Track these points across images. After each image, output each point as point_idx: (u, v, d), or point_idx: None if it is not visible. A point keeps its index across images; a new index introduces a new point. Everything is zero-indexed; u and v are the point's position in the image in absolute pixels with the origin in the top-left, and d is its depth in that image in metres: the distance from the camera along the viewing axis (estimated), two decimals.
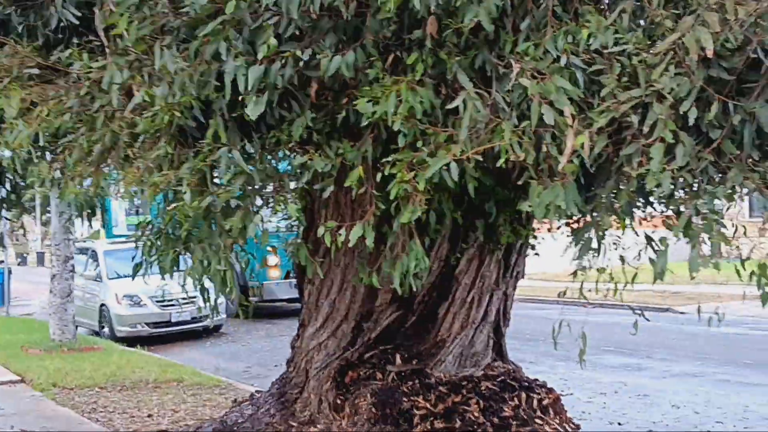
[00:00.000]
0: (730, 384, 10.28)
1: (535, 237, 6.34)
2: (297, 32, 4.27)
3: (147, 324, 14.89)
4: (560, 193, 3.78)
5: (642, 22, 4.02)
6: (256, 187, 4.52)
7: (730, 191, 4.04)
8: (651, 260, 4.11)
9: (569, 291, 5.57)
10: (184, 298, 13.47)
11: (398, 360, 6.23)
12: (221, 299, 15.57)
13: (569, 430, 6.25)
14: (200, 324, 14.61)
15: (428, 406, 6.06)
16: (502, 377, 6.34)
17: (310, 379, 6.43)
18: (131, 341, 14.47)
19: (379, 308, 6.29)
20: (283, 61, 4.05)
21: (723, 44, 3.72)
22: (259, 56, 3.99)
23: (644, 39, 3.86)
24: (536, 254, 6.63)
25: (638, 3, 4.03)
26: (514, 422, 6.02)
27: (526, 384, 6.35)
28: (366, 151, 4.37)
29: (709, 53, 3.64)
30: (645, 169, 3.72)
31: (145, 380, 10.55)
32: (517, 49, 4.00)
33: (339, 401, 6.25)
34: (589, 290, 5.06)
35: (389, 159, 4.07)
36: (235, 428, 6.81)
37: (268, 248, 10.79)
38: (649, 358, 11.72)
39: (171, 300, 14.40)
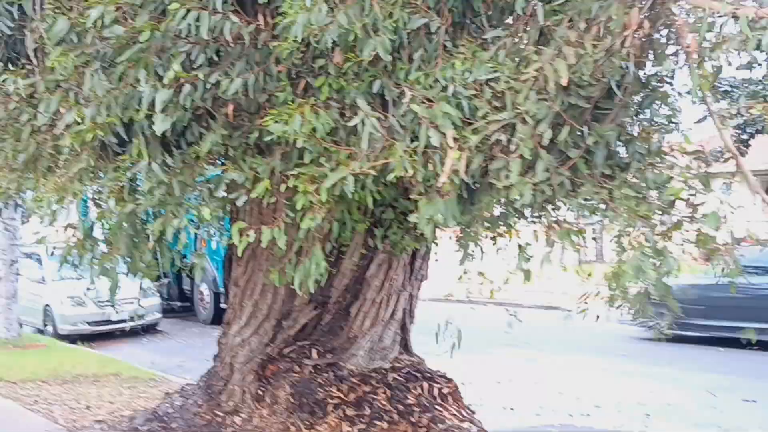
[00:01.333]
0: (608, 373, 10.55)
1: (437, 244, 6.38)
2: (211, 58, 4.33)
3: (87, 322, 14.53)
4: (441, 208, 3.85)
5: (516, 58, 4.09)
6: (177, 195, 4.46)
7: (582, 203, 4.13)
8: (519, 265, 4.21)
9: (479, 291, 5.63)
10: (122, 298, 13.39)
11: (314, 354, 6.24)
12: (156, 299, 15.36)
13: (465, 415, 6.33)
14: (138, 322, 14.29)
15: (341, 395, 6.08)
16: (408, 369, 6.41)
17: (234, 372, 6.39)
18: (73, 339, 14.12)
19: (298, 308, 6.30)
20: (195, 84, 4.06)
21: (580, 75, 3.87)
22: (165, 81, 4.05)
23: (514, 69, 3.99)
24: (437, 260, 6.69)
25: (515, 41, 4.12)
26: (417, 409, 6.08)
27: (429, 375, 6.42)
28: (275, 166, 4.35)
29: (564, 82, 3.78)
30: (510, 182, 3.82)
31: (84, 374, 10.32)
32: (410, 78, 4.08)
33: (260, 392, 6.23)
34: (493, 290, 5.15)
35: (294, 172, 4.10)
36: (166, 418, 6.69)
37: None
38: (540, 351, 11.92)
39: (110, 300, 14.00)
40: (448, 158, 3.80)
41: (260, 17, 4.16)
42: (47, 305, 15.08)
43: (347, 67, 4.11)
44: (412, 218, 4.04)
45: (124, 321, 14.09)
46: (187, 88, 4.14)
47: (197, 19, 4.04)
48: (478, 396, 9.09)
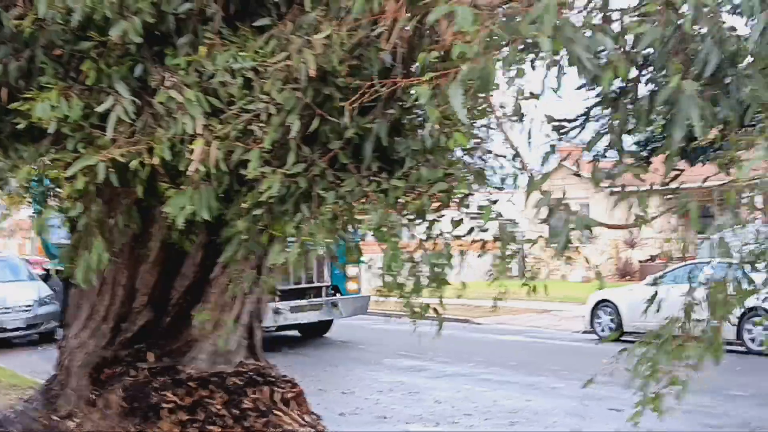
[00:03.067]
0: (490, 382, 10.41)
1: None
2: None
3: None
4: (194, 198, 3.59)
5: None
6: None
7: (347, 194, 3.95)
8: None
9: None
10: (18, 307, 13.02)
11: (151, 358, 5.87)
12: (54, 307, 14.63)
13: (308, 420, 6.03)
14: (34, 330, 13.69)
15: (176, 400, 5.73)
16: (251, 373, 6.08)
17: (71, 376, 6.01)
18: None
19: (136, 310, 5.97)
20: None
21: (333, 66, 3.67)
22: None
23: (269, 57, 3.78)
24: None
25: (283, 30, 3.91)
26: (253, 413, 5.77)
27: (272, 380, 6.10)
28: (42, 152, 4.04)
29: (312, 73, 3.58)
30: (255, 173, 3.64)
31: None
32: (171, 63, 3.84)
33: (93, 396, 5.84)
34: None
35: (47, 159, 3.80)
36: (5, 422, 6.27)
37: None
38: (431, 360, 11.71)
39: (7, 308, 13.58)
40: (195, 146, 3.56)
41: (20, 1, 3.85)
42: None
43: (108, 50, 3.80)
44: (166, 209, 3.77)
45: (19, 329, 13.51)
46: None
47: None
48: (356, 404, 8.85)
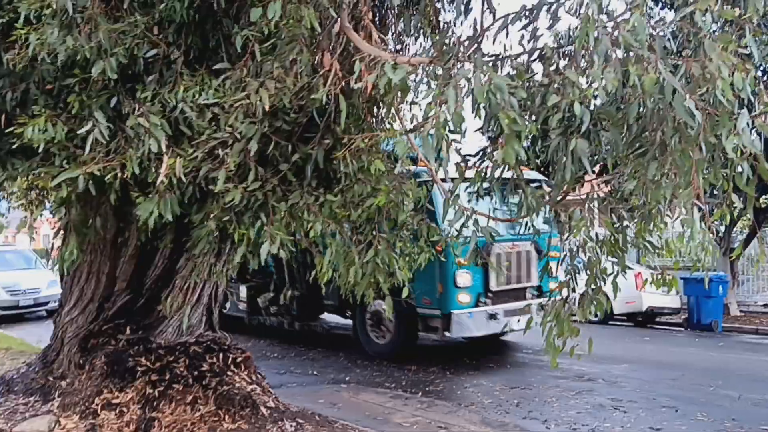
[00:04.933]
0: None
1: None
2: None
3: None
4: (160, 204, 4.51)
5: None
6: None
7: (294, 206, 4.83)
8: None
9: None
10: (30, 289, 14.69)
11: (128, 331, 6.95)
12: (58, 289, 15.84)
13: (254, 379, 7.11)
14: (42, 308, 15.16)
15: (148, 364, 6.75)
16: (208, 343, 7.17)
17: (64, 345, 7.05)
18: None
19: (117, 293, 6.99)
20: None
21: (283, 104, 4.48)
22: None
23: (231, 95, 4.57)
24: None
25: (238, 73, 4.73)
26: (209, 374, 6.82)
27: (225, 347, 7.19)
28: (33, 167, 4.98)
29: (266, 108, 4.35)
30: (220, 188, 4.49)
31: None
32: (141, 96, 4.72)
33: (81, 361, 6.89)
34: None
35: (36, 172, 4.76)
36: (10, 382, 7.36)
37: (457, 260, 9.46)
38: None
39: (21, 290, 15.33)
40: (163, 163, 4.35)
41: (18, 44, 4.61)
42: None
43: (89, 86, 4.65)
44: (138, 211, 4.62)
45: (30, 307, 15.00)
46: None
47: None
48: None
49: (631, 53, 3.16)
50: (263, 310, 12.90)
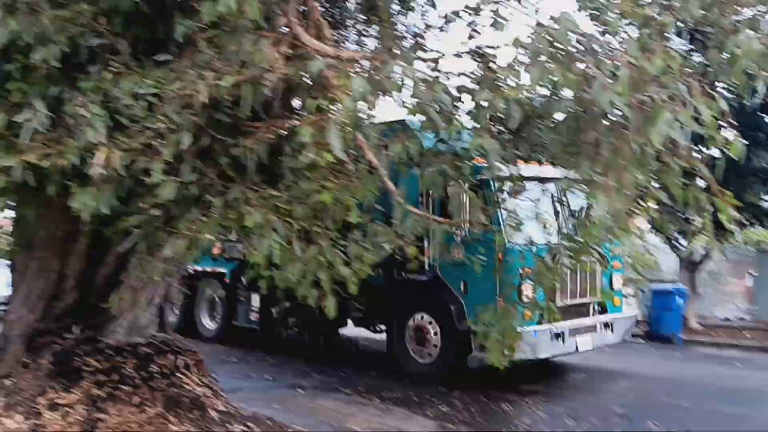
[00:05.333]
0: None
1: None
2: None
3: None
4: (96, 196, 4.37)
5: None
6: None
7: (233, 201, 4.69)
8: None
9: None
10: None
11: (76, 330, 6.78)
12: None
13: (205, 382, 6.99)
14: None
15: (96, 364, 6.58)
16: (159, 344, 7.04)
17: (10, 343, 6.83)
18: None
19: (66, 291, 6.81)
20: None
21: (223, 96, 4.34)
22: None
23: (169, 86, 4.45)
24: None
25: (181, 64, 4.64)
26: (159, 376, 6.68)
27: (177, 349, 7.06)
28: None
29: (203, 99, 4.23)
30: (154, 180, 4.36)
31: None
32: (82, 86, 4.59)
33: (28, 360, 6.68)
34: None
35: None
36: None
37: (520, 270, 8.16)
38: None
39: None
40: (97, 154, 4.21)
41: None
42: None
43: (30, 73, 4.49)
44: (73, 203, 4.44)
45: None
46: None
47: None
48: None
49: (563, 52, 3.14)
50: (280, 322, 11.50)
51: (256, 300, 11.77)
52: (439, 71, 4.25)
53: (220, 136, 4.60)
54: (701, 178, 3.68)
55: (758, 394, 9.36)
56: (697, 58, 3.75)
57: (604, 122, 3.14)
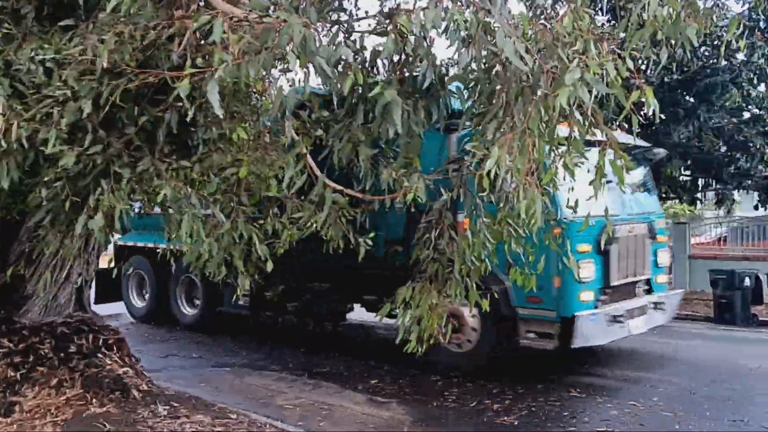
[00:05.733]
0: None
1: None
2: None
3: None
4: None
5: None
6: None
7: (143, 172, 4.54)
8: None
9: None
10: None
11: None
12: None
13: (127, 362, 6.78)
14: None
15: (11, 345, 6.35)
16: (78, 323, 6.80)
17: None
18: None
19: None
20: None
21: (127, 62, 4.10)
22: None
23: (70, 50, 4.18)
24: None
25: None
26: (77, 356, 6.47)
27: (96, 328, 6.83)
28: None
29: (105, 64, 3.98)
30: (53, 150, 4.10)
31: None
32: None
33: None
34: None
35: None
36: None
37: (578, 247, 7.18)
38: None
39: None
40: None
41: None
42: None
43: None
44: None
45: None
46: None
47: None
48: None
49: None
50: (276, 307, 10.00)
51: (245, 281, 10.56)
52: (347, 32, 4.22)
53: (125, 104, 4.34)
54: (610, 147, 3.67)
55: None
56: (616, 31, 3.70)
57: (514, 85, 3.11)
